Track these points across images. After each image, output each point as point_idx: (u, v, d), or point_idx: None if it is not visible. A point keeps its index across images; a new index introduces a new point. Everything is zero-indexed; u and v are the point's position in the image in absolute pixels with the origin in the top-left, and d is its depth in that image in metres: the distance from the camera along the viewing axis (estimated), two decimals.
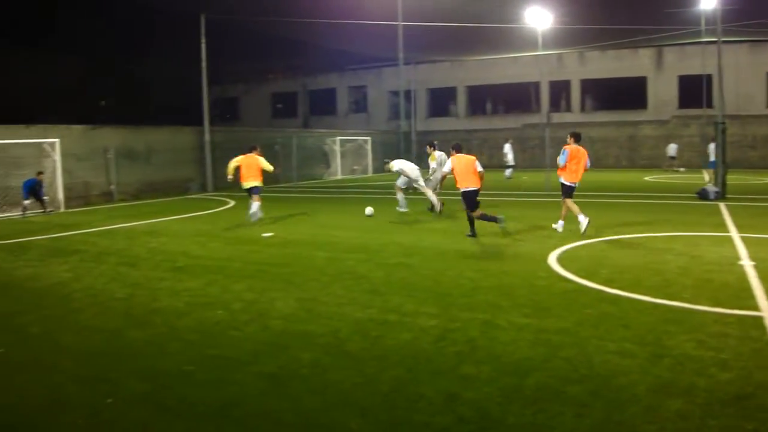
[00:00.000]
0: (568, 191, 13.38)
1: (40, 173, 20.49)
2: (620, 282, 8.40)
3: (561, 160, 13.33)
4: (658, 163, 39.56)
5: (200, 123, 30.16)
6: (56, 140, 21.57)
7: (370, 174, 40.70)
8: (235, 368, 5.67)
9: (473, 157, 13.46)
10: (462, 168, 13.12)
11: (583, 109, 46.17)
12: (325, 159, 38.33)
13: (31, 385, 5.48)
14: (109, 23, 47.28)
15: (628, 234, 12.72)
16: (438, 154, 18.20)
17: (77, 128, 24.76)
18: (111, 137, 25.35)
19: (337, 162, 38.61)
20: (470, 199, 12.86)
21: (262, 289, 8.65)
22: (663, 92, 43.31)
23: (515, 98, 48.38)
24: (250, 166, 16.01)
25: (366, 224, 15.60)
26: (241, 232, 14.52)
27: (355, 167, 40.56)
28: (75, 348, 6.44)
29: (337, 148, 38.59)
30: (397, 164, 17.17)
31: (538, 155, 42.39)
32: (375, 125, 50.36)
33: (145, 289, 8.90)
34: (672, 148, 36.95)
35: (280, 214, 17.96)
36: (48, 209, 20.61)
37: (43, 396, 5.21)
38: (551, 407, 4.69)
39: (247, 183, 15.95)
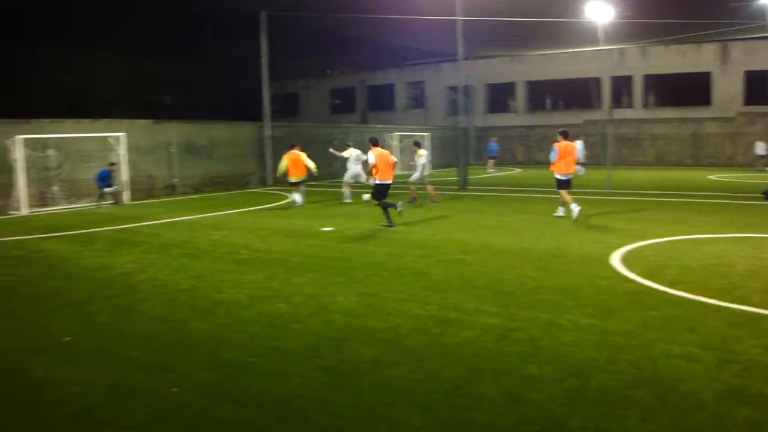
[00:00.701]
0: (562, 184, 15.24)
1: (111, 164, 21.14)
2: (686, 284, 8.17)
3: (552, 156, 15.35)
4: (722, 161, 38.38)
5: (260, 118, 30.57)
6: (122, 134, 22.11)
7: (428, 170, 40.56)
8: (296, 361, 5.71)
9: (388, 152, 15.37)
10: (382, 162, 14.41)
11: (645, 105, 45.09)
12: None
13: (99, 372, 5.60)
14: (170, 19, 48.25)
15: (693, 234, 12.35)
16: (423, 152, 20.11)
17: (142, 123, 25.36)
18: (174, 131, 25.88)
19: (398, 157, 38.56)
20: (384, 191, 14.33)
21: (322, 283, 8.70)
22: (728, 88, 41.89)
23: (576, 94, 47.52)
24: (297, 163, 18.72)
25: (424, 220, 15.55)
26: (301, 226, 14.63)
27: (412, 162, 40.47)
28: (141, 337, 6.58)
29: (395, 143, 38.60)
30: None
31: (599, 152, 41.69)
32: (433, 121, 50.19)
33: (209, 281, 9.05)
34: (761, 147, 35.51)
35: (339, 209, 18.06)
36: (118, 200, 21.26)
37: (110, 383, 5.33)
38: (616, 411, 4.59)
39: (294, 178, 18.90)
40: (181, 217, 17.02)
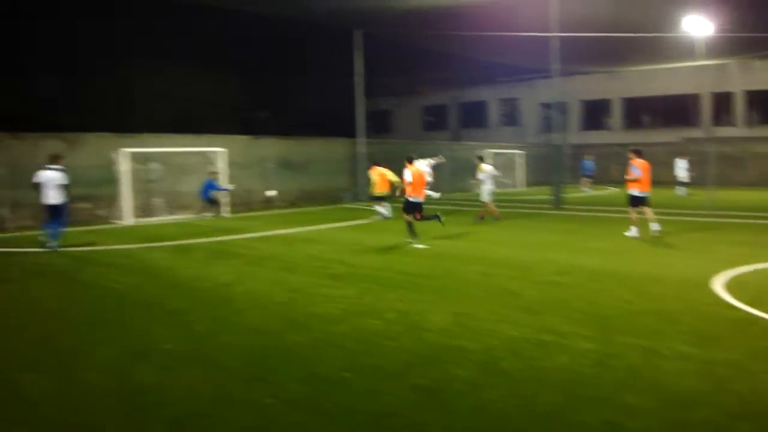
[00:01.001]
0: (638, 201, 15.49)
1: (213, 173, 21.89)
2: None
3: (637, 173, 15.67)
4: None
5: (353, 135, 30.98)
6: (222, 149, 22.86)
7: (521, 188, 40.14)
8: (389, 378, 5.71)
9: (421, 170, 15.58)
10: (417, 180, 14.80)
11: (748, 122, 43.13)
12: (475, 172, 38.11)
13: (198, 381, 5.76)
14: (265, 38, 49.70)
15: None
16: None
17: (241, 138, 26.16)
18: (271, 147, 26.56)
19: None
20: (418, 208, 14.71)
21: (415, 300, 8.69)
22: None
23: (674, 111, 45.88)
24: (383, 177, 19.60)
25: (518, 240, 15.35)
26: (394, 243, 14.68)
27: (506, 180, 40.10)
28: (238, 347, 6.74)
29: (488, 161, 38.28)
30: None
31: (697, 171, 40.18)
32: (526, 138, 49.62)
33: (303, 295, 9.19)
34: None
35: (431, 227, 18.01)
36: (217, 212, 22.01)
37: (209, 392, 5.47)
38: None
39: (379, 192, 19.87)
40: (277, 230, 17.40)
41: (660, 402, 5.11)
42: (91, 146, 20.82)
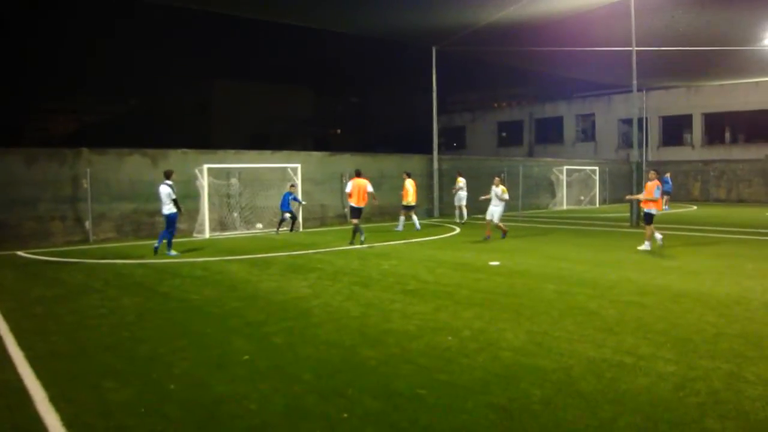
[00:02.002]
0: (653, 219, 16.19)
1: (292, 186, 22.25)
2: None
3: (658, 193, 16.10)
4: None
5: (427, 151, 31.04)
6: (298, 165, 23.25)
7: (597, 205, 39.35)
8: (465, 396, 5.65)
9: (366, 182, 18.49)
10: (358, 190, 18.15)
11: None
12: (551, 188, 37.70)
13: (274, 392, 5.83)
14: (341, 57, 50.55)
15: None
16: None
17: (316, 154, 26.58)
18: (345, 163, 26.85)
19: (563, 192, 37.76)
20: (357, 213, 18.18)
21: (490, 318, 8.61)
22: None
23: (758, 126, 44.16)
24: (407, 191, 22.38)
25: (595, 257, 15.03)
26: (468, 259, 14.63)
27: (582, 197, 39.43)
28: (314, 360, 6.80)
29: (564, 177, 37.76)
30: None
31: None
32: (603, 154, 48.69)
33: (378, 310, 9.23)
34: None
35: (507, 244, 17.87)
36: (294, 226, 22.36)
37: (284, 404, 5.54)
38: None
39: (407, 202, 22.40)
40: (352, 246, 17.53)
41: (743, 428, 4.92)
42: (173, 162, 21.50)
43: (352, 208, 18.46)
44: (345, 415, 5.26)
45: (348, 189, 18.40)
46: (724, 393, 5.67)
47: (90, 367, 6.75)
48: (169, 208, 15.99)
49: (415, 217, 22.62)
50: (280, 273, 12.94)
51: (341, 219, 25.89)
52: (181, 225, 20.87)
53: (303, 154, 25.75)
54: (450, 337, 7.60)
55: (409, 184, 22.72)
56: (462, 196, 26.17)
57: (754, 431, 4.88)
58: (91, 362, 6.93)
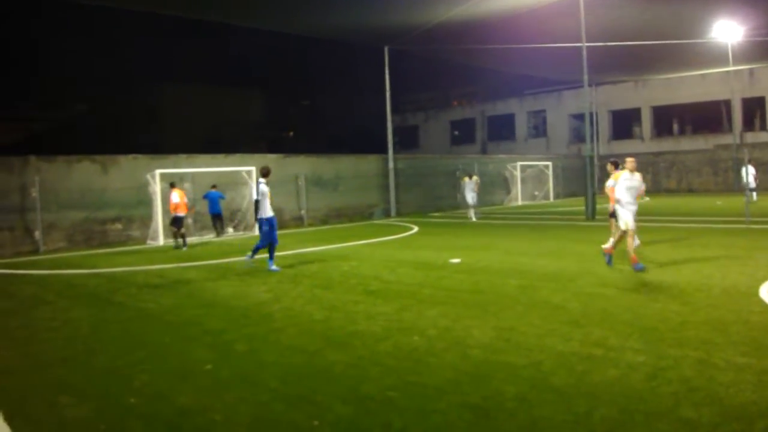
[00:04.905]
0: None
1: (213, 186, 21.76)
2: None
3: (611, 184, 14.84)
4: None
5: (380, 151, 30.98)
6: (252, 168, 22.95)
7: (552, 200, 39.80)
8: (437, 396, 5.53)
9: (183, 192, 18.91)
10: (181, 199, 18.55)
11: None
12: (505, 185, 38.02)
13: (239, 401, 5.63)
14: (292, 58, 50.22)
15: None
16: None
17: (271, 157, 26.29)
18: (301, 165, 26.63)
19: (518, 188, 38.10)
20: (180, 221, 18.54)
21: (456, 316, 8.51)
22: None
23: (704, 118, 45.31)
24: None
25: (554, 251, 15.10)
26: (428, 258, 14.57)
27: (536, 193, 39.83)
28: (279, 367, 6.61)
29: (518, 173, 38.09)
30: None
31: (731, 178, 39.50)
32: (555, 149, 49.30)
33: (342, 312, 9.06)
34: None
35: (466, 241, 17.87)
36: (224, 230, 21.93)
37: (251, 413, 5.33)
38: None
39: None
40: (311, 248, 17.35)
41: (718, 415, 4.89)
42: (124, 168, 21.01)
43: (178, 218, 18.62)
44: (316, 422, 5.08)
45: (176, 200, 18.48)
46: (696, 380, 5.67)
47: (45, 382, 6.47)
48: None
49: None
50: (239, 278, 12.69)
51: (298, 222, 25.65)
52: (134, 232, 20.42)
53: (257, 156, 25.42)
54: (417, 337, 7.47)
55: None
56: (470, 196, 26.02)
57: (730, 417, 4.86)
58: (45, 377, 6.63)
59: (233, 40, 48.96)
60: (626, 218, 11.84)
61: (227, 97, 57.24)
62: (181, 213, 18.57)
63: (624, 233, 11.89)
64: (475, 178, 26.28)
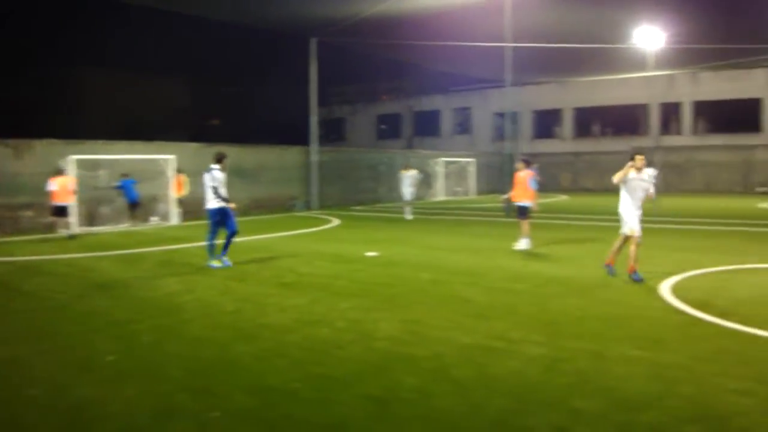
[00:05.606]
0: (526, 211, 14.62)
1: (124, 175, 21.26)
2: (738, 315, 7.86)
3: (534, 184, 14.73)
4: None
5: (305, 143, 30.84)
6: (173, 156, 22.51)
7: (473, 196, 40.44)
8: (340, 388, 5.61)
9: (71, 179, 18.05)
10: (63, 187, 17.68)
11: (694, 131, 44.33)
12: (428, 180, 38.42)
13: (141, 393, 5.57)
14: (217, 45, 49.40)
15: (744, 264, 11.98)
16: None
17: (192, 145, 25.82)
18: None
19: (440, 183, 38.58)
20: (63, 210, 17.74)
21: (366, 308, 8.61)
22: None
23: (624, 120, 47.01)
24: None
25: (470, 246, 15.40)
26: (346, 251, 14.63)
27: (458, 189, 40.41)
28: (185, 358, 6.56)
29: (441, 169, 38.56)
30: None
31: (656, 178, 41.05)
32: (479, 147, 50.07)
33: (253, 304, 9.03)
34: None
35: (385, 234, 18.01)
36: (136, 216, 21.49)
37: (153, 404, 5.29)
38: None
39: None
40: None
41: (608, 405, 5.14)
42: (37, 153, 20.29)
43: (59, 207, 18.02)
44: (216, 413, 5.08)
45: (53, 188, 17.75)
46: (590, 373, 5.92)
47: None
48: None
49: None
50: (152, 269, 12.47)
51: None
52: (47, 220, 19.72)
53: (177, 145, 24.90)
54: (326, 329, 7.54)
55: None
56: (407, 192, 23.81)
57: (619, 407, 5.10)
58: None
59: (159, 25, 47.82)
60: (632, 223, 10.57)
61: (151, 83, 55.84)
62: (64, 202, 17.94)
63: (627, 239, 10.74)
64: (413, 171, 24.21)
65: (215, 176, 12.23)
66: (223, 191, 12.18)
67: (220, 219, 12.34)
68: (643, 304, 8.74)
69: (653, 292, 9.49)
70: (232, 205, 12.39)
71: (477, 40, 29.50)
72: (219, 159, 12.57)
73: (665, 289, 9.66)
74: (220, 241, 12.62)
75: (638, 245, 10.53)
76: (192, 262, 13.09)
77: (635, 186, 10.57)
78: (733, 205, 29.38)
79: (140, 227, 21.07)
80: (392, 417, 5.00)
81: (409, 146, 54.60)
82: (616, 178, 10.60)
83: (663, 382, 5.63)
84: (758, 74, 41.48)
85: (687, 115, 44.55)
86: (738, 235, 17.34)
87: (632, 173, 10.56)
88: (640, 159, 10.61)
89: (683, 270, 11.20)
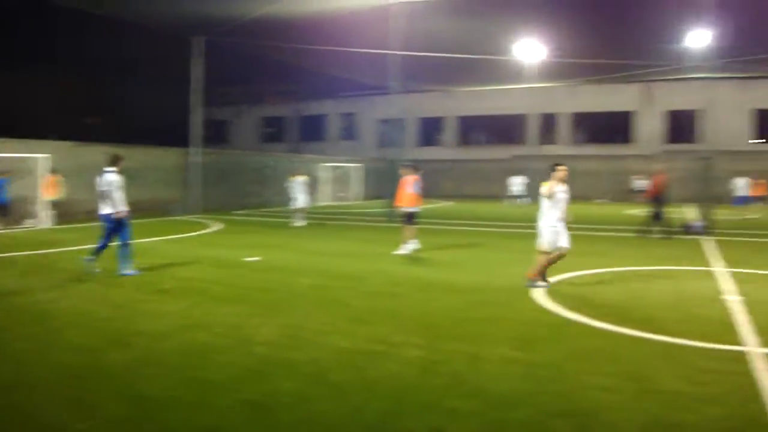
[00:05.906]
0: (413, 217, 14.90)
1: (2, 172, 20.23)
2: (607, 316, 8.36)
3: (416, 188, 14.92)
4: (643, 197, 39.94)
5: (186, 144, 30.11)
6: (46, 155, 21.45)
7: (358, 201, 40.73)
8: (217, 393, 5.57)
9: None
10: None
11: (571, 141, 46.58)
12: (313, 185, 38.37)
13: (5, 404, 5.36)
14: (96, 42, 47.43)
15: (613, 267, 12.75)
16: None
17: (65, 144, 24.67)
18: (98, 155, 25.17)
19: (325, 188, 38.64)
20: None
21: (245, 313, 8.55)
22: (651, 127, 43.96)
23: (504, 130, 48.87)
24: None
25: (352, 251, 15.54)
26: (226, 256, 14.44)
27: (341, 194, 40.60)
28: (54, 367, 6.31)
29: (324, 174, 38.62)
30: None
31: (528, 186, 42.64)
32: (364, 152, 50.48)
33: (129, 310, 8.78)
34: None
35: (267, 239, 17.88)
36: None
37: (16, 417, 5.08)
38: None
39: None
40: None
41: (483, 404, 5.34)
42: None
43: None
44: (84, 424, 4.92)
45: None
46: (466, 373, 6.14)
47: None
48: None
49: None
50: (21, 274, 11.87)
51: (92, 215, 24.25)
52: None
53: (51, 143, 23.75)
54: (203, 335, 7.44)
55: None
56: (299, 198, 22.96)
57: (493, 406, 5.33)
58: None
59: (34, 17, 45.36)
60: (549, 238, 10.41)
61: (25, 80, 52.89)
62: None
63: (549, 254, 10.48)
64: (303, 177, 23.31)
65: (109, 179, 11.62)
66: (118, 195, 11.55)
67: (115, 226, 11.66)
68: (519, 306, 9.13)
69: (528, 295, 9.91)
70: (124, 210, 11.71)
71: (365, 47, 29.75)
72: (114, 161, 11.88)
73: (540, 292, 10.10)
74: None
75: (561, 257, 10.59)
76: (65, 267, 12.54)
77: (559, 198, 10.40)
78: (606, 211, 31.13)
79: (10, 230, 19.92)
80: (270, 422, 5.02)
81: (295, 150, 54.37)
82: (545, 191, 10.37)
83: (535, 380, 5.91)
84: (632, 89, 44.13)
85: (564, 126, 46.74)
86: (608, 240, 18.42)
87: (558, 186, 10.40)
88: (562, 170, 10.46)
89: (557, 273, 11.67)
